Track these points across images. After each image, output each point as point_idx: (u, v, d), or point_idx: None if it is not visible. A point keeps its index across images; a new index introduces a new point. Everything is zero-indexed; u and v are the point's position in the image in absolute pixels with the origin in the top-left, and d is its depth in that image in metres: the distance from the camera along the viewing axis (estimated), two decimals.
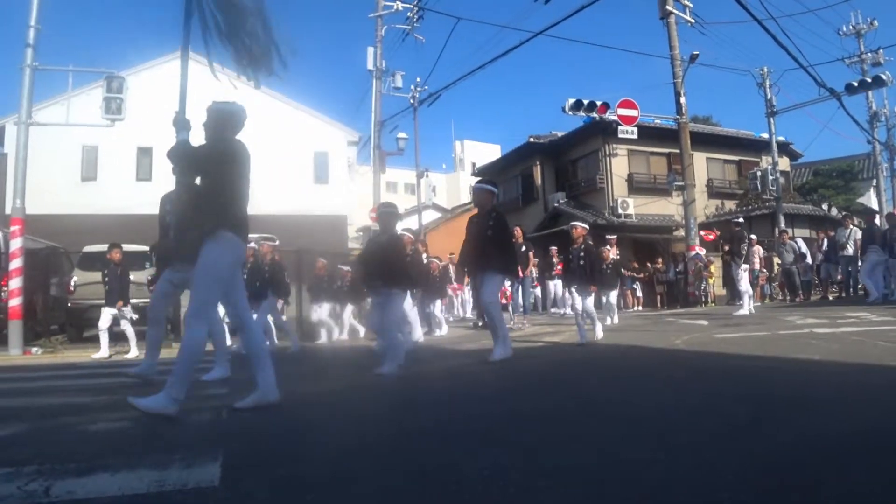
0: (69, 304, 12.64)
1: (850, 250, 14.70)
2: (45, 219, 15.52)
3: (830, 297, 16.29)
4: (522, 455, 2.70)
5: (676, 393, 4.16)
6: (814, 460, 2.45)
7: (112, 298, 9.40)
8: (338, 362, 8.56)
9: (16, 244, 10.17)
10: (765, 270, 17.43)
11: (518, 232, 12.06)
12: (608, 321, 11.21)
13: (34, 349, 10.25)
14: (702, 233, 18.53)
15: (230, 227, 3.86)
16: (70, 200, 19.50)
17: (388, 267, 6.09)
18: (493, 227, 6.53)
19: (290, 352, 9.19)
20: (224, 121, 4.14)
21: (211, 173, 3.94)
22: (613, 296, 12.15)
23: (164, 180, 24.06)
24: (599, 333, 8.09)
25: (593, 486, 2.27)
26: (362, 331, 11.54)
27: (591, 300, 8.12)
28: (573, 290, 8.30)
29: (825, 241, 16.50)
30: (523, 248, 11.64)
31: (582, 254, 8.06)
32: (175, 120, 4.50)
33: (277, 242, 9.71)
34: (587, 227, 8.45)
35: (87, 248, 13.42)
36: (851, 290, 15.64)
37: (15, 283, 10.05)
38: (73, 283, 12.55)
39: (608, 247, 13.50)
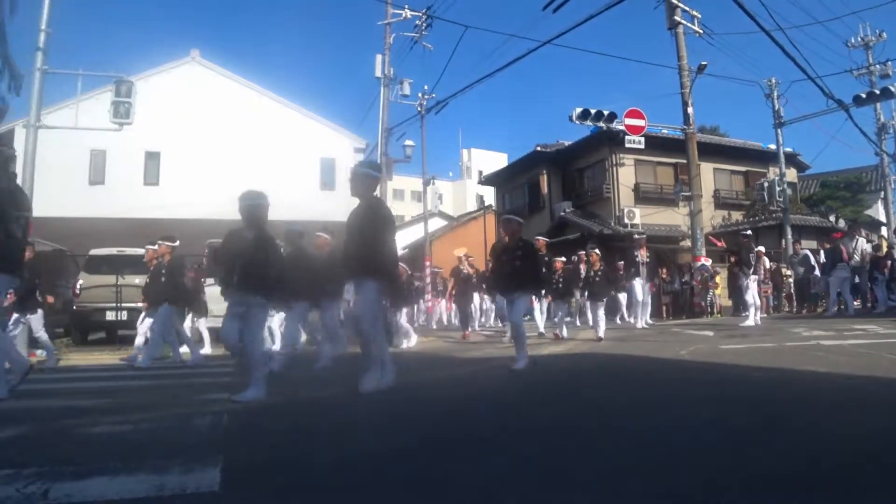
0: (74, 307, 12.67)
1: (857, 260, 14.55)
2: (53, 222, 15.59)
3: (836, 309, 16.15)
4: (522, 464, 2.68)
5: (678, 404, 4.13)
6: (813, 473, 2.42)
7: (22, 305, 8.21)
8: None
9: None
10: (768, 281, 17.30)
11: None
12: (600, 333, 10.07)
13: (38, 351, 10.25)
14: (711, 238, 18.49)
15: None
16: (78, 204, 19.59)
17: (253, 271, 5.04)
18: (372, 220, 5.15)
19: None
20: None
21: None
22: (601, 307, 10.55)
23: (172, 185, 24.17)
24: (521, 364, 6.40)
25: (593, 492, 2.25)
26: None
27: (520, 312, 6.78)
28: (505, 297, 7.05)
29: (821, 252, 16.31)
30: None
31: (519, 252, 6.77)
32: None
33: (177, 243, 8.83)
34: (521, 221, 7.26)
35: (94, 252, 13.48)
36: (858, 302, 15.52)
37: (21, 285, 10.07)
38: (78, 287, 12.59)
39: (608, 254, 13.07)
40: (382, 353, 5.22)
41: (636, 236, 14.27)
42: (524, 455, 2.85)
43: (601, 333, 10.02)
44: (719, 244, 18.60)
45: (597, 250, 11.27)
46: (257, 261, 5.06)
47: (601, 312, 10.43)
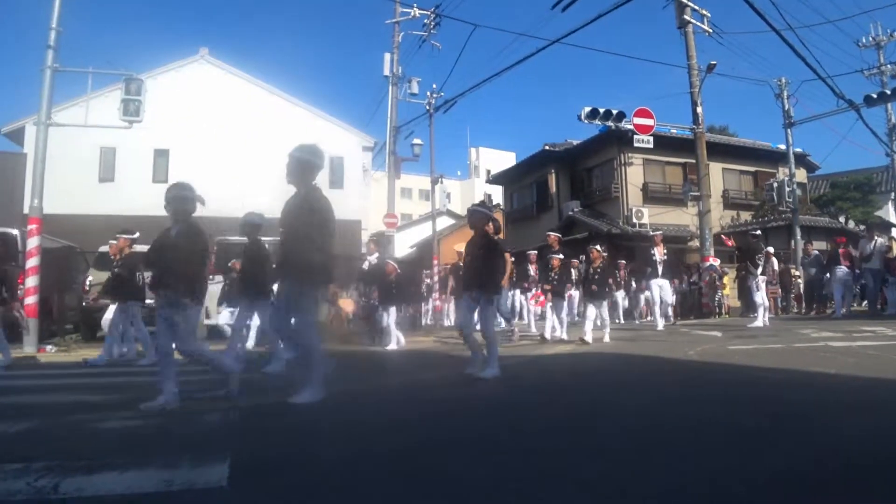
0: (84, 304, 12.75)
1: (875, 263, 14.37)
2: (63, 218, 15.71)
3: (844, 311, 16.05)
4: (523, 463, 2.69)
5: (684, 404, 4.12)
6: (819, 474, 2.42)
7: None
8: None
9: (33, 243, 10.28)
10: (776, 282, 17.20)
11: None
12: (606, 338, 9.49)
13: (49, 347, 10.33)
14: (722, 236, 18.38)
15: None
16: (87, 201, 19.72)
17: (174, 268, 4.66)
18: (307, 214, 4.64)
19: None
20: None
21: None
22: (605, 308, 9.88)
23: None
24: (490, 371, 5.68)
25: (595, 492, 2.25)
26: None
27: (490, 319, 6.00)
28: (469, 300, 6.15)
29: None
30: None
31: (481, 250, 6.04)
32: None
33: (136, 235, 8.59)
34: (488, 213, 6.40)
35: (103, 248, 13.54)
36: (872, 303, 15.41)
37: (31, 281, 10.15)
38: (88, 283, 12.67)
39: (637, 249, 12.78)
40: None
41: (652, 233, 13.64)
42: (525, 454, 2.85)
43: (606, 337, 9.49)
44: (730, 243, 18.51)
45: (598, 246, 10.44)
46: (178, 258, 4.68)
47: (605, 313, 9.79)
